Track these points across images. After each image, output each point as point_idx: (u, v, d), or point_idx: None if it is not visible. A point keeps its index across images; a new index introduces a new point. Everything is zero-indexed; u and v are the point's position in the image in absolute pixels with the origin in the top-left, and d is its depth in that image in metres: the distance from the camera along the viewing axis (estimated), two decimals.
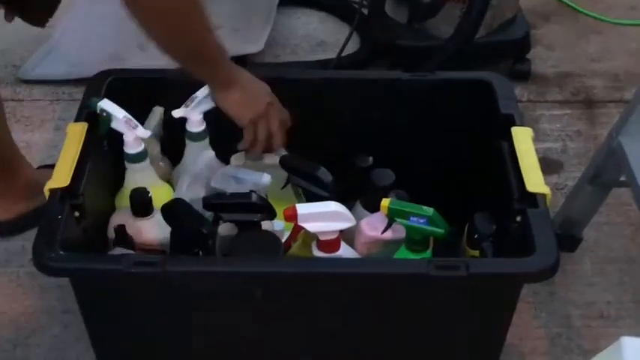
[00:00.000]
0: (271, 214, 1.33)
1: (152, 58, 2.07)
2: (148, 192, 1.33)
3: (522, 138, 1.33)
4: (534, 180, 1.25)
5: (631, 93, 1.93)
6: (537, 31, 2.21)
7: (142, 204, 1.33)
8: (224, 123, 1.40)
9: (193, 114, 1.41)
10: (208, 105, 1.40)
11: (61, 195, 1.23)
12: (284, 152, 1.44)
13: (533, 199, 1.23)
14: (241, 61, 1.97)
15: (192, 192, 1.37)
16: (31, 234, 1.22)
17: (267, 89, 1.39)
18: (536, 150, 1.31)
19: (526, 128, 1.35)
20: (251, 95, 1.37)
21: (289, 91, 1.47)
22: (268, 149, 1.42)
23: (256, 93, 1.38)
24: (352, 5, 2.26)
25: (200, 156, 1.41)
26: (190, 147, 1.45)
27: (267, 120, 1.38)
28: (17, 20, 1.49)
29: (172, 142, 1.47)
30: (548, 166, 1.81)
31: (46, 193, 1.24)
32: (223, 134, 1.44)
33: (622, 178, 1.45)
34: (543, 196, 1.23)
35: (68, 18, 2.24)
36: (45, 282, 1.53)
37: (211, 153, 1.44)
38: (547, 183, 1.25)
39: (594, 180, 1.51)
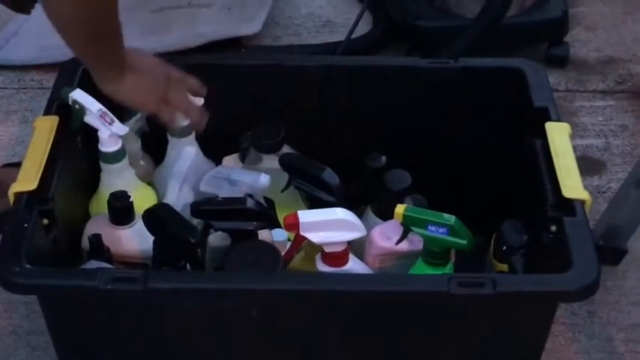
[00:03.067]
0: (270, 222, 1.33)
1: (133, 40, 2.08)
2: (129, 196, 1.33)
3: (558, 135, 1.33)
4: (572, 183, 1.25)
5: None
6: (577, 10, 2.20)
7: (121, 210, 1.34)
8: (215, 117, 1.40)
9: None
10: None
11: (28, 199, 1.23)
12: (286, 150, 1.45)
13: (570, 206, 1.23)
14: (236, 43, 1.98)
15: (181, 197, 1.37)
16: None
17: (159, 62, 1.37)
18: (575, 148, 1.32)
19: (563, 124, 1.35)
20: (147, 76, 1.34)
21: (291, 79, 1.48)
22: (190, 120, 1.39)
23: (151, 72, 1.35)
24: None
25: (185, 154, 1.42)
26: (173, 143, 1.46)
27: (175, 95, 1.35)
28: None
29: (155, 137, 1.48)
30: (589, 166, 1.81)
31: (11, 197, 1.24)
32: (214, 130, 1.45)
33: None
34: (582, 202, 1.23)
35: None
36: (10, 299, 1.53)
37: (197, 150, 1.45)
38: (587, 187, 1.26)
39: None
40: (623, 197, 1.55)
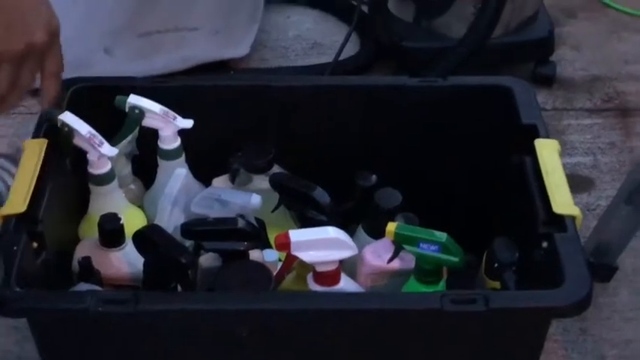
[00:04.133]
0: (261, 242, 1.33)
1: (121, 63, 2.09)
2: (119, 218, 1.33)
3: (547, 152, 1.33)
4: (562, 200, 1.25)
5: None
6: (562, 29, 2.22)
7: (111, 232, 1.33)
8: (205, 139, 1.40)
9: (167, 129, 1.41)
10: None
11: (17, 222, 1.22)
12: (276, 169, 1.45)
13: (561, 221, 1.23)
14: (223, 66, 1.98)
15: (172, 219, 1.37)
16: None
17: (48, 18, 1.14)
18: (564, 166, 1.32)
19: (552, 140, 1.35)
20: (13, 18, 1.09)
21: (280, 100, 1.48)
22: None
23: (24, 18, 1.11)
24: (350, 2, 2.27)
25: (175, 177, 1.41)
26: (163, 166, 1.45)
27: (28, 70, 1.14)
28: None
29: (146, 160, 1.47)
30: (578, 184, 1.81)
31: (0, 221, 1.23)
32: (203, 152, 1.45)
33: None
34: (573, 218, 1.23)
35: None
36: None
37: (187, 172, 1.44)
38: (577, 203, 1.25)
39: (631, 199, 1.51)
40: (612, 214, 1.56)
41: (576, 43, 2.21)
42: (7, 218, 1.23)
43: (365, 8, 2.13)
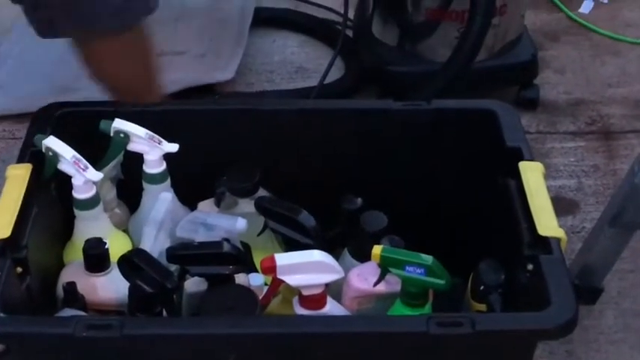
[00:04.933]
0: (246, 266, 1.33)
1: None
2: (104, 243, 1.32)
3: (532, 174, 1.34)
4: (547, 222, 1.26)
5: None
6: (546, 53, 2.23)
7: (96, 257, 1.32)
8: (190, 163, 1.40)
9: (152, 153, 1.41)
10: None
11: (1, 248, 1.22)
12: (262, 193, 1.45)
13: (546, 244, 1.23)
14: (209, 90, 1.98)
15: (157, 243, 1.36)
16: None
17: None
18: (548, 188, 1.32)
19: (536, 163, 1.36)
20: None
21: (265, 123, 1.49)
22: None
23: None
24: (335, 26, 2.28)
25: (161, 201, 1.41)
26: (149, 191, 1.45)
27: None
28: None
29: (131, 184, 1.47)
30: (562, 207, 1.82)
31: None
32: (189, 176, 1.45)
33: None
34: (558, 240, 1.24)
35: (8, 44, 2.25)
36: None
37: (172, 196, 1.44)
38: (561, 226, 1.26)
39: (615, 221, 1.51)
40: (597, 236, 1.56)
41: (560, 67, 2.22)
42: None
43: (349, 32, 2.14)
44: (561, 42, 2.30)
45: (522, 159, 1.36)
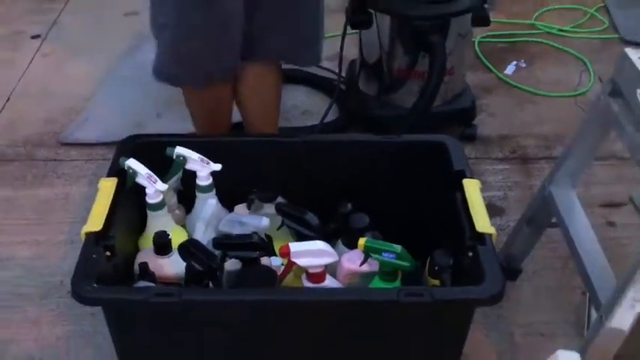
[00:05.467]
0: (269, 252, 1.33)
1: (167, 124, 2.09)
2: (168, 234, 1.32)
3: (472, 188, 1.34)
4: (482, 222, 1.26)
5: (558, 151, 1.96)
6: (482, 102, 2.22)
7: (162, 245, 1.33)
8: (229, 178, 1.40)
9: (202, 171, 1.41)
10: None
11: (95, 237, 1.23)
12: (280, 200, 1.45)
13: (481, 238, 1.24)
14: (239, 126, 1.98)
15: (206, 235, 1.36)
16: (69, 271, 1.20)
17: None
18: (483, 198, 1.33)
19: (475, 180, 1.36)
20: None
21: (282, 151, 1.49)
22: None
23: None
24: (332, 81, 2.28)
25: (208, 205, 1.41)
26: (200, 198, 1.45)
27: None
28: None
29: (187, 193, 1.47)
30: (493, 211, 1.81)
31: (82, 237, 1.23)
32: (228, 187, 1.45)
33: (553, 220, 1.46)
34: (490, 235, 1.24)
35: (100, 93, 2.26)
36: (80, 311, 1.49)
37: (216, 202, 1.44)
38: (492, 224, 1.26)
39: (530, 222, 1.52)
40: (517, 232, 1.56)
41: (492, 112, 2.20)
42: (88, 234, 1.23)
43: (343, 86, 2.14)
44: (493, 94, 2.29)
45: (465, 177, 1.36)
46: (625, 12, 2.63)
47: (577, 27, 2.58)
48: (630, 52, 1.21)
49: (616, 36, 2.52)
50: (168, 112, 2.14)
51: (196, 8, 1.45)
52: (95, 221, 1.25)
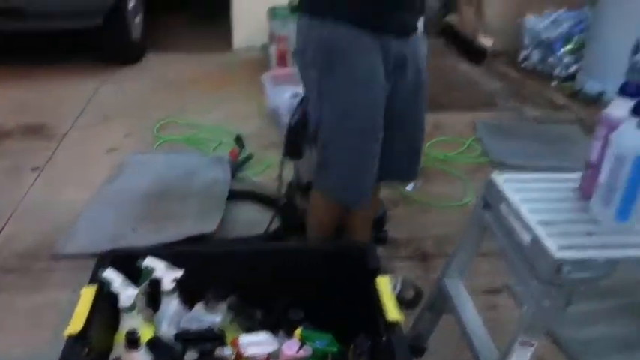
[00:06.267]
0: (222, 343, 1.29)
1: (142, 237, 2.04)
2: (137, 332, 1.27)
3: (384, 284, 1.34)
4: (392, 312, 1.26)
5: (450, 249, 1.98)
6: (391, 212, 2.26)
7: (132, 341, 1.27)
8: (189, 281, 1.37)
9: (166, 277, 1.38)
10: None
11: (76, 337, 1.18)
12: (232, 298, 1.42)
13: (392, 324, 1.23)
14: (200, 239, 1.95)
15: (169, 331, 1.32)
16: None
17: None
18: (393, 291, 1.33)
19: (386, 277, 1.36)
20: None
21: (234, 257, 1.47)
22: None
23: None
24: (275, 199, 2.29)
25: (171, 305, 1.37)
26: (164, 299, 1.41)
27: None
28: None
29: (154, 296, 1.42)
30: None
31: (65, 337, 1.17)
32: (189, 289, 1.41)
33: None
34: (399, 322, 1.24)
35: (85, 213, 2.22)
36: None
37: (178, 302, 1.40)
38: (401, 312, 1.26)
39: (431, 308, 1.53)
40: (421, 317, 1.55)
41: (400, 220, 2.24)
42: (70, 335, 1.18)
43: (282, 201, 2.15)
44: (399, 206, 2.33)
45: (378, 275, 1.36)
46: (493, 142, 2.79)
47: (459, 154, 2.70)
48: (495, 176, 1.28)
49: (487, 160, 2.65)
50: (142, 227, 2.11)
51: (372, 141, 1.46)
52: (76, 323, 1.20)
